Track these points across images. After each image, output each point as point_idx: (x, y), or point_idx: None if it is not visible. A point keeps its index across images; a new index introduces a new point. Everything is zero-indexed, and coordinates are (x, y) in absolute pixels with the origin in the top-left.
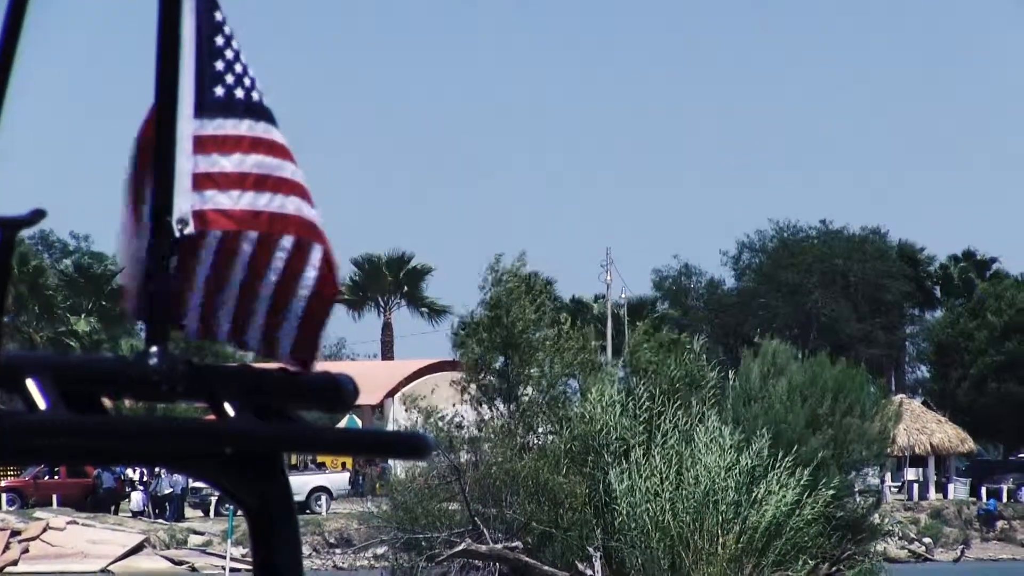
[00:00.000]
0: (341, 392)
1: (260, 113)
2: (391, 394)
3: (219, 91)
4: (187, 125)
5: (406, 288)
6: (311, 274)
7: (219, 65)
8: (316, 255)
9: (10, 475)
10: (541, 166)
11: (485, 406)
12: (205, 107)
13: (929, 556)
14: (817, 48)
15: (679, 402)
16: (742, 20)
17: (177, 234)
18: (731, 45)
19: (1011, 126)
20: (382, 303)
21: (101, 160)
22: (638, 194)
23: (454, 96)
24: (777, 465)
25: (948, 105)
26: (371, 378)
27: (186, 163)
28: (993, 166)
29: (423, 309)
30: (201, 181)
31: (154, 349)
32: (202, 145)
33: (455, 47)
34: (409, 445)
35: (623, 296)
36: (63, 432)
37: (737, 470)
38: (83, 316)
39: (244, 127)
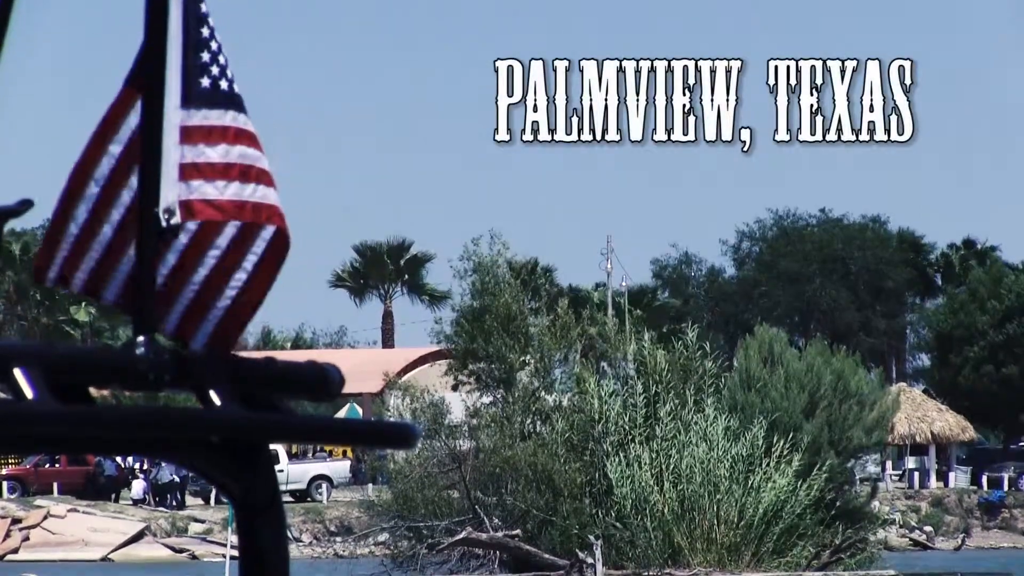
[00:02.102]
0: (327, 381)
1: (240, 104)
2: (388, 384)
3: (205, 82)
4: (174, 115)
5: (407, 276)
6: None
7: (205, 56)
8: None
9: (11, 463)
10: (542, 153)
11: (478, 394)
12: (192, 97)
13: (930, 544)
14: (812, 35)
15: (675, 391)
16: (740, 9)
17: (164, 224)
18: (726, 31)
19: (1010, 116)
20: (383, 291)
21: None
22: (639, 183)
23: (453, 83)
24: (773, 452)
25: (947, 96)
26: (371, 366)
27: (173, 153)
28: (993, 156)
29: (424, 296)
30: (188, 171)
31: (141, 339)
32: (189, 135)
33: (453, 33)
34: (396, 434)
35: (623, 285)
36: (50, 422)
37: (732, 457)
38: (83, 305)
39: (228, 118)
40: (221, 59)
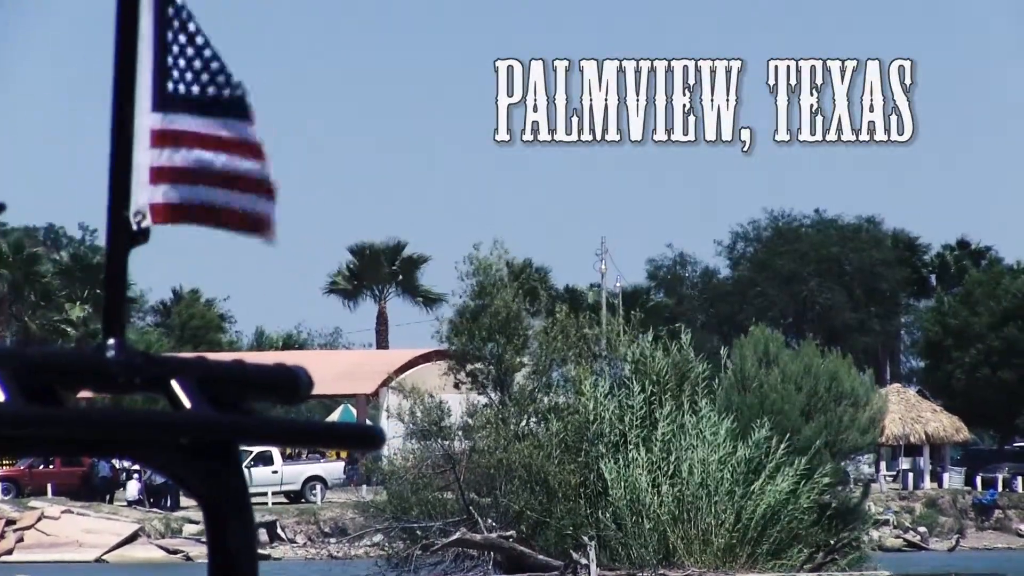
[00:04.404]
0: (296, 383)
1: (217, 108)
2: (385, 383)
3: (175, 86)
4: (145, 119)
5: (401, 277)
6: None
7: (175, 60)
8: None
9: (5, 464)
10: (542, 153)
11: (475, 394)
12: (163, 101)
13: (924, 545)
14: (812, 35)
15: (671, 393)
16: (740, 8)
17: (135, 228)
18: (726, 31)
19: (1006, 117)
20: (377, 292)
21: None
22: (637, 183)
23: (449, 83)
24: (772, 454)
25: (943, 96)
26: (366, 367)
27: (143, 157)
28: (988, 156)
29: (418, 298)
30: (158, 175)
31: (111, 342)
32: (160, 139)
33: (448, 34)
34: (361, 436)
35: (618, 285)
36: (20, 423)
37: (733, 460)
38: (78, 304)
39: (199, 123)
40: (196, 63)
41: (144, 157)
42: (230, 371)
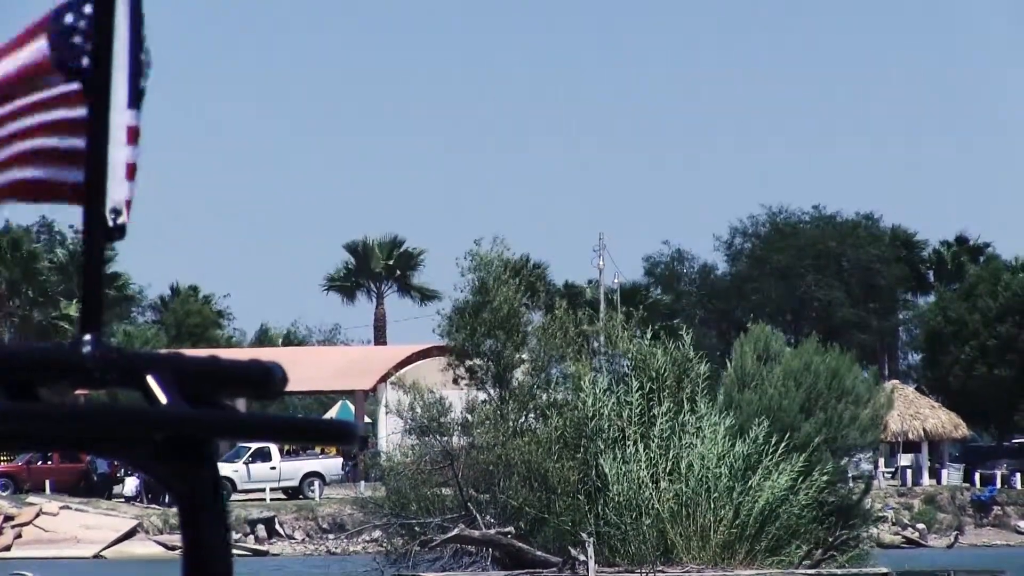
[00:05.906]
0: (270, 379)
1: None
2: (384, 379)
3: (144, 83)
4: (121, 115)
5: (398, 272)
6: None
7: (144, 57)
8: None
9: (3, 460)
10: (534, 149)
11: (474, 390)
12: (137, 98)
13: (923, 542)
14: (810, 33)
15: (670, 390)
16: (734, 5)
17: (111, 223)
18: (724, 31)
19: (1004, 113)
20: (375, 288)
21: None
22: (631, 179)
23: (447, 79)
24: (771, 451)
25: (941, 90)
26: (364, 363)
27: (120, 153)
28: (985, 151)
29: (415, 294)
30: (134, 171)
31: (87, 337)
32: (136, 136)
33: (448, 30)
34: (337, 431)
35: (615, 281)
36: None
37: (731, 457)
38: (75, 301)
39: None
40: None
41: (120, 154)
42: (205, 367)
